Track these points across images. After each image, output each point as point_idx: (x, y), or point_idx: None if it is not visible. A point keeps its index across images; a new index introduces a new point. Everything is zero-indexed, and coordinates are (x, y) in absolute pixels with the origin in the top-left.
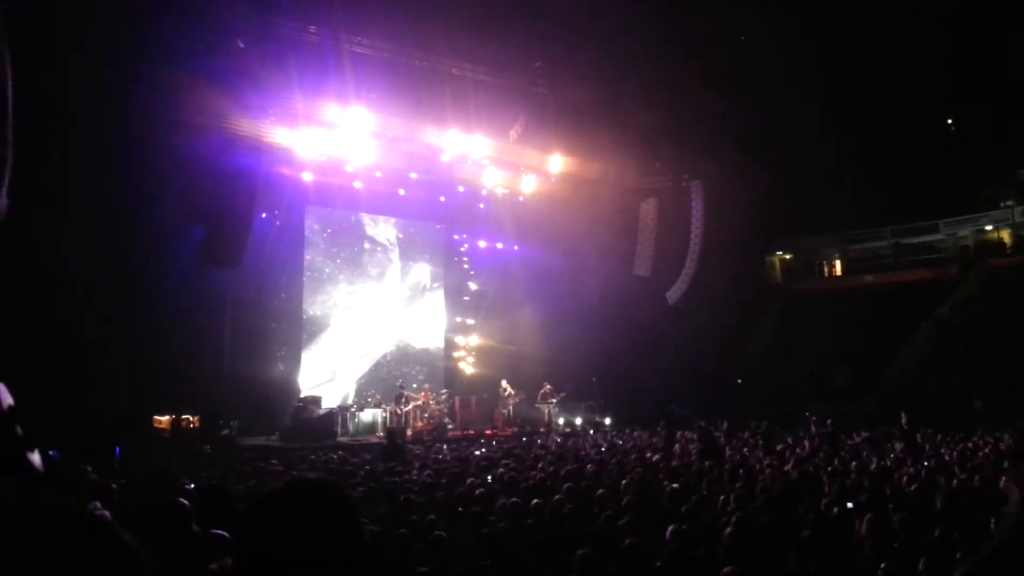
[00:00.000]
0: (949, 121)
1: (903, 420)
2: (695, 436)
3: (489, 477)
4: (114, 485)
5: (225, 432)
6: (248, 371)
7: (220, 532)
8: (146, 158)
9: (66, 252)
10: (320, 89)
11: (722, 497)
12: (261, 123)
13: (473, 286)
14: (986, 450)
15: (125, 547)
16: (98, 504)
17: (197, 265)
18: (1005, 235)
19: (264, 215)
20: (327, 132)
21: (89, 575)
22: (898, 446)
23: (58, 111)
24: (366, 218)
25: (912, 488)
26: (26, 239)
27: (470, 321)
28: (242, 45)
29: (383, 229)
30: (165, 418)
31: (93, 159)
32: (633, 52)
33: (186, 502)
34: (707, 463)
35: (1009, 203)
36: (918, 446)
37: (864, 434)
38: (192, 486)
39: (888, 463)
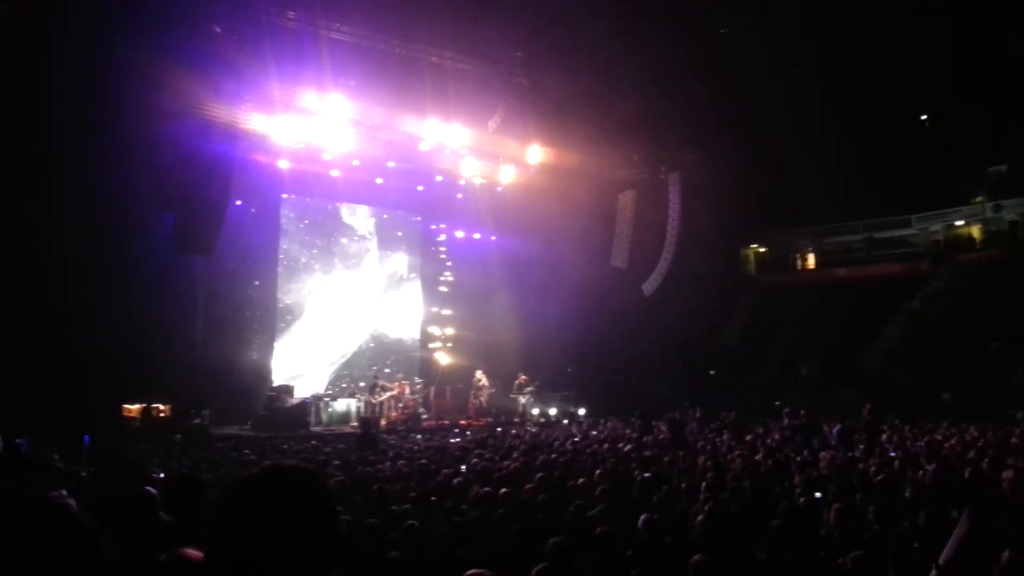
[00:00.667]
0: (923, 117)
1: (865, 411)
2: (666, 427)
3: (463, 467)
4: (83, 474)
5: (197, 421)
6: (221, 360)
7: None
8: (119, 143)
9: (36, 238)
10: (297, 76)
11: (694, 486)
12: (237, 109)
13: (450, 276)
14: (952, 441)
15: (83, 531)
16: (64, 492)
17: (170, 252)
18: (975, 231)
19: (239, 202)
20: (304, 119)
21: (49, 558)
22: (862, 437)
23: (31, 96)
24: (343, 207)
25: (879, 478)
26: None
27: (446, 311)
28: (219, 30)
29: (360, 218)
30: (136, 407)
31: (66, 144)
32: (613, 44)
33: (154, 491)
34: (680, 453)
35: (980, 199)
36: (879, 438)
37: (837, 427)
38: (162, 475)
39: (856, 454)
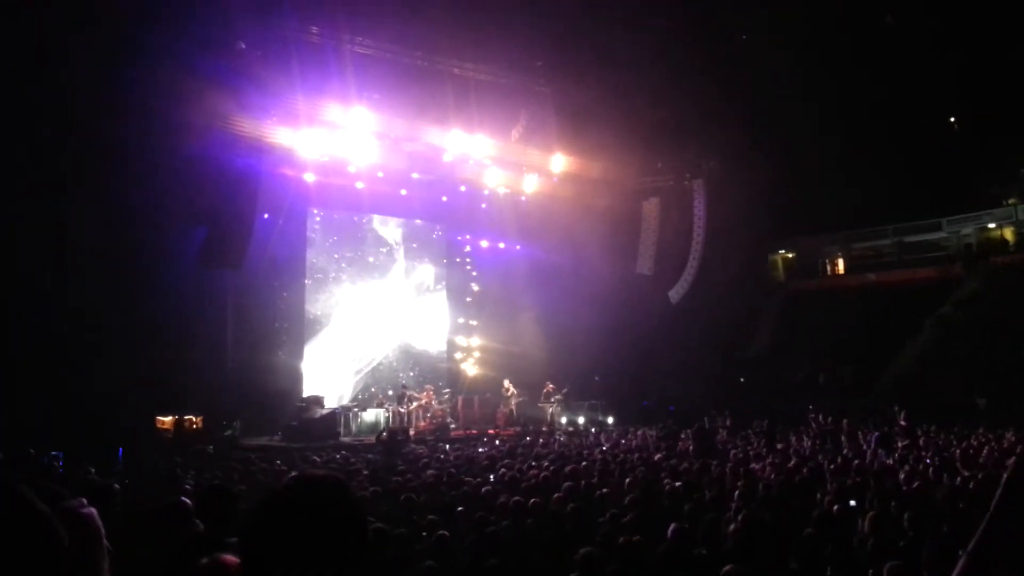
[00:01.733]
0: (952, 119)
1: (901, 417)
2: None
3: (492, 476)
4: (116, 486)
5: (228, 432)
6: (250, 372)
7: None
8: (148, 159)
9: (68, 254)
10: (322, 89)
11: (725, 495)
12: (263, 123)
13: (475, 286)
14: (990, 447)
15: (39, 515)
16: (84, 501)
17: (199, 266)
18: (1008, 233)
19: (266, 216)
20: (329, 132)
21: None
22: (900, 444)
23: (61, 112)
24: (369, 219)
25: (915, 485)
26: (29, 241)
27: (473, 321)
28: (244, 46)
29: (386, 230)
30: (168, 419)
31: (95, 160)
32: (634, 51)
33: (188, 501)
34: (713, 462)
35: (1012, 201)
36: (916, 444)
37: (875, 433)
38: (194, 485)
39: (894, 461)
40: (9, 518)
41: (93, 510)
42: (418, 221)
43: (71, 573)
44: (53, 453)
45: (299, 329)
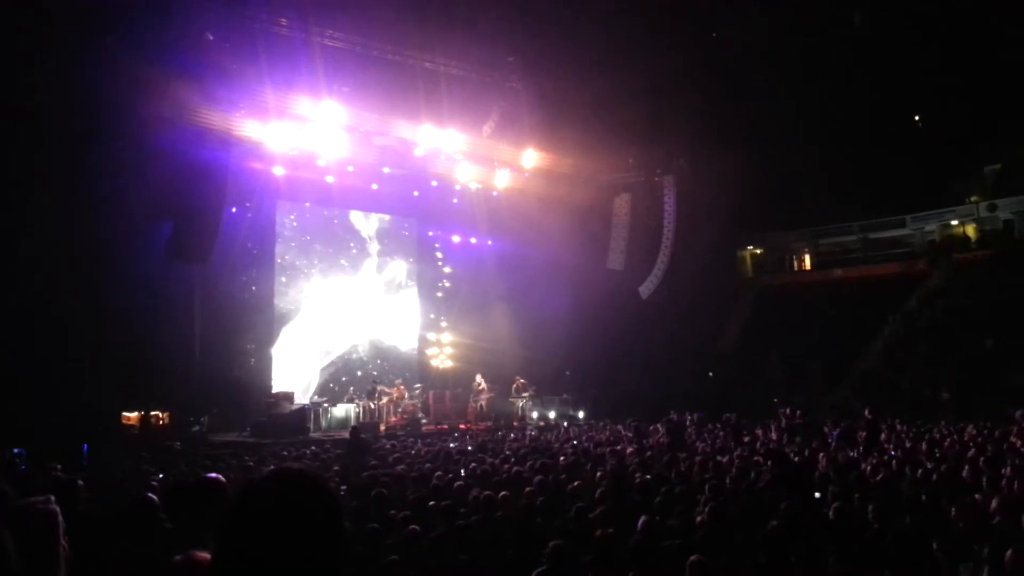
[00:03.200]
0: (916, 118)
1: (866, 412)
2: (663, 429)
3: (462, 471)
4: (80, 482)
5: (196, 428)
6: (219, 367)
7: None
8: (114, 152)
9: (32, 248)
10: (291, 82)
11: (693, 488)
12: (231, 116)
13: (447, 281)
14: (951, 439)
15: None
16: (51, 497)
17: (166, 260)
18: (970, 230)
19: (234, 209)
20: (298, 126)
21: None
22: (861, 435)
23: (24, 105)
24: (340, 213)
25: (878, 478)
26: None
27: (444, 315)
28: (211, 37)
29: (356, 224)
30: (134, 415)
31: (60, 153)
32: (606, 48)
33: (155, 498)
34: (680, 455)
35: (974, 199)
36: (880, 438)
37: (837, 429)
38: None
39: (856, 454)
40: None
41: (56, 507)
42: (387, 217)
43: (22, 572)
44: (15, 450)
45: (268, 324)
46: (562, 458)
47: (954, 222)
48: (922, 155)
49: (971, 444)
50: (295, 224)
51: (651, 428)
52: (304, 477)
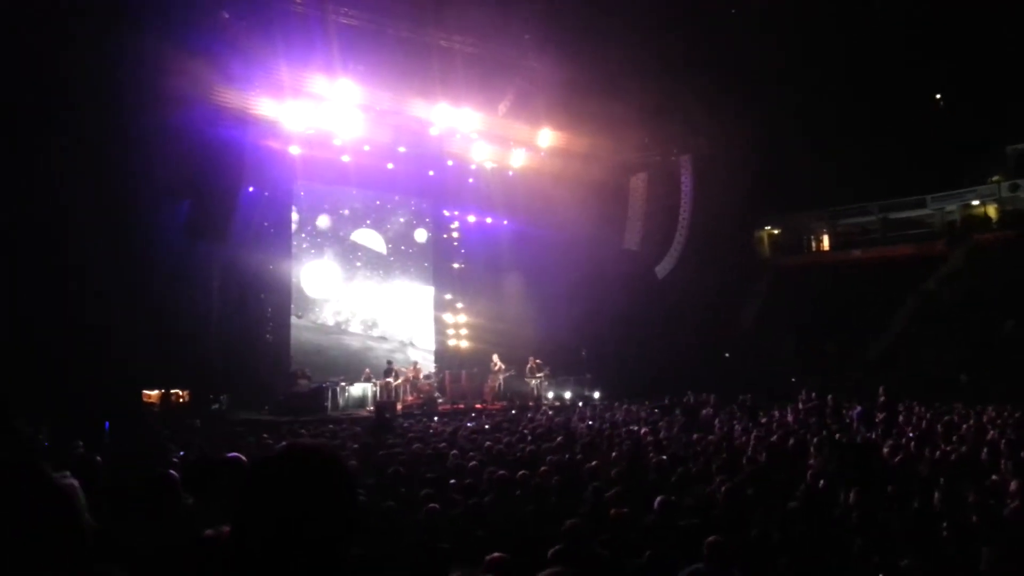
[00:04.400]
0: (938, 96)
1: (880, 393)
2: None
3: (479, 450)
4: (99, 459)
5: (215, 407)
6: (237, 345)
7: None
8: (131, 131)
9: (51, 227)
10: (307, 61)
11: (710, 468)
12: (247, 95)
13: (462, 261)
14: (970, 422)
15: (56, 491)
16: (67, 473)
17: (184, 239)
18: (991, 210)
19: (251, 188)
20: (314, 105)
21: (23, 515)
22: (879, 417)
23: (42, 84)
24: (355, 192)
25: (897, 459)
26: (10, 215)
27: (460, 295)
28: (227, 15)
29: (373, 203)
30: (155, 393)
31: (78, 133)
32: (622, 26)
33: (175, 474)
34: (694, 436)
35: (996, 178)
36: (898, 420)
37: (857, 408)
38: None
39: (875, 436)
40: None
41: (75, 482)
42: (404, 195)
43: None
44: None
45: (286, 303)
46: (578, 438)
47: (975, 202)
48: (943, 135)
49: (990, 426)
50: (311, 203)
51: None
52: (317, 451)
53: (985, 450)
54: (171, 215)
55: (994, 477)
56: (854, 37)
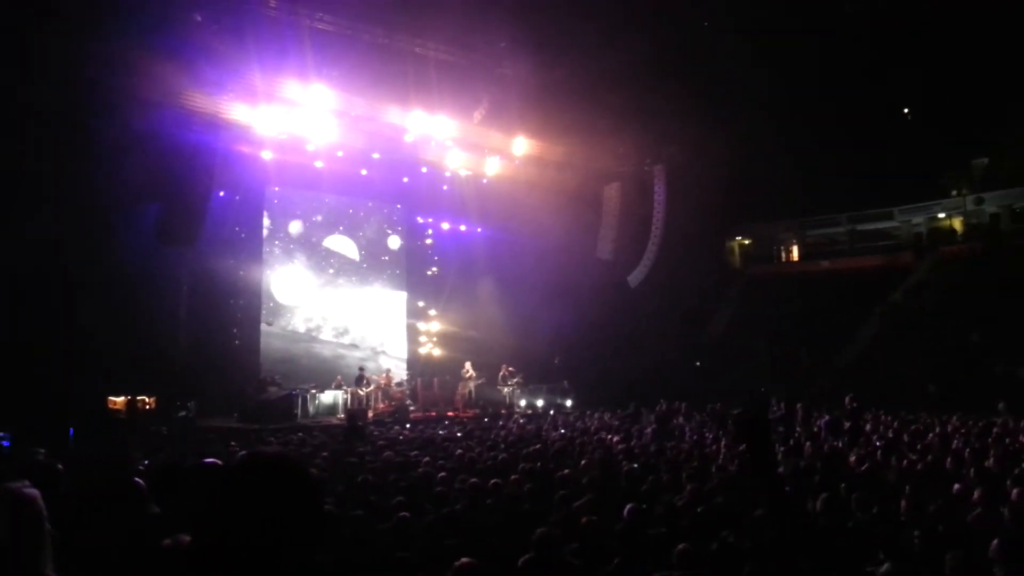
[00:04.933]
0: (906, 111)
1: (847, 401)
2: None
3: (450, 458)
4: (60, 466)
5: (183, 413)
6: (206, 351)
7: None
8: (100, 134)
9: (18, 230)
10: (280, 65)
11: (680, 476)
12: (219, 99)
13: (436, 268)
14: (936, 431)
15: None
16: (27, 482)
17: (153, 243)
18: (957, 223)
19: (222, 193)
20: (287, 110)
21: None
22: (847, 426)
23: (10, 86)
24: (328, 198)
25: (863, 467)
26: None
27: (432, 302)
28: (199, 19)
29: (346, 209)
30: (120, 399)
31: (46, 135)
32: (597, 36)
33: (141, 482)
34: (666, 443)
35: (962, 192)
36: (865, 428)
37: (825, 417)
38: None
39: (841, 444)
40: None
41: (36, 492)
42: (378, 202)
43: (7, 556)
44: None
45: (256, 308)
46: (550, 446)
47: (941, 215)
48: (910, 148)
49: (955, 435)
50: (283, 208)
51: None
52: (280, 459)
53: (949, 459)
54: (140, 219)
55: (957, 485)
56: (825, 51)
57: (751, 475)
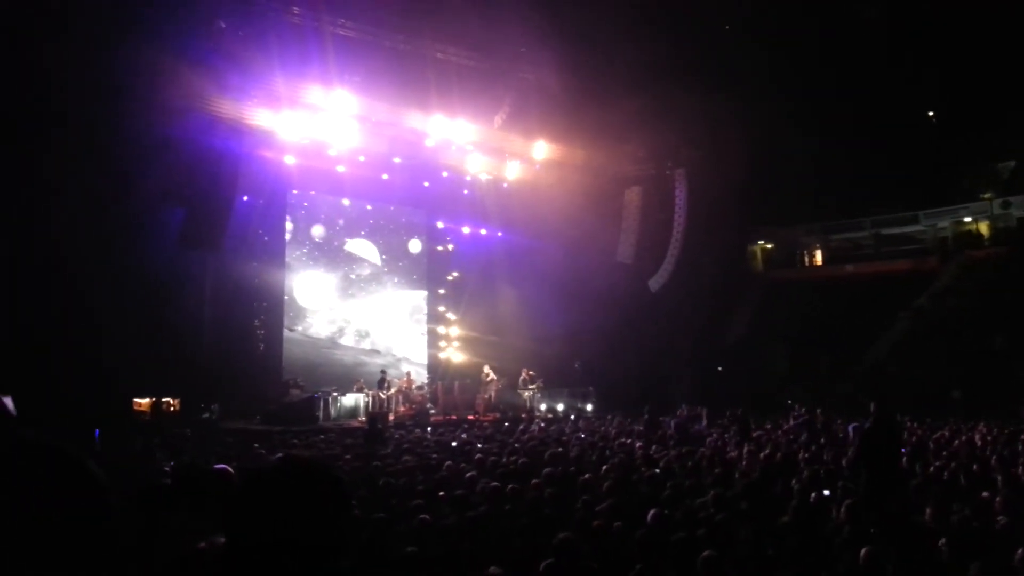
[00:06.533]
0: (930, 113)
1: (872, 408)
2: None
3: (470, 462)
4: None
5: (206, 415)
6: (230, 354)
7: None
8: (126, 140)
9: (45, 234)
10: (303, 71)
11: (702, 482)
12: (243, 105)
13: (456, 272)
14: (962, 438)
15: (89, 473)
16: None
17: (177, 247)
18: (983, 227)
19: (246, 198)
20: (310, 115)
21: (59, 496)
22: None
23: (38, 92)
24: (349, 202)
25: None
26: (3, 222)
27: (453, 306)
28: (224, 25)
29: (368, 214)
30: (145, 401)
31: (73, 141)
32: (618, 39)
33: (168, 484)
34: (684, 449)
35: (987, 195)
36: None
37: (853, 424)
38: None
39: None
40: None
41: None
42: (400, 206)
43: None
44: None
45: (278, 312)
46: (571, 450)
47: (967, 219)
48: (936, 151)
49: (981, 442)
50: (305, 213)
51: (661, 421)
52: (311, 464)
53: (976, 465)
54: (165, 224)
55: (985, 493)
56: (848, 54)
57: (878, 495)
